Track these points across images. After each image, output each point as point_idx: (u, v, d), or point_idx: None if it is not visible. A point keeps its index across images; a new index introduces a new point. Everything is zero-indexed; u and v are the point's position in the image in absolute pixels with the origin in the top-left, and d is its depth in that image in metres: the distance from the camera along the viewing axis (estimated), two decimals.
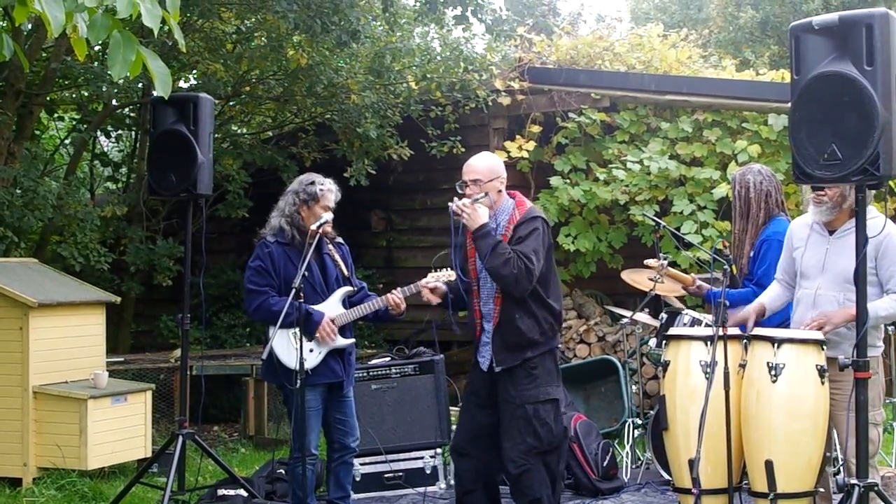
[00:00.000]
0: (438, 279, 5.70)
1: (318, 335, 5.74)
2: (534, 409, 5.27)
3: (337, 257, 6.01)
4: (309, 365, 5.68)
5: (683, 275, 6.60)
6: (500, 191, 5.40)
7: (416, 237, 11.18)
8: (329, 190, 5.90)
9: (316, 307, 5.79)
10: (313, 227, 5.69)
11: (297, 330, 5.50)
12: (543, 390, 5.32)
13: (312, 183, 5.89)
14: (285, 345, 5.72)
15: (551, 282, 5.43)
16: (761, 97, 9.05)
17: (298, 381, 5.44)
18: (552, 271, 5.45)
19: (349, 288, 5.99)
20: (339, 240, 6.11)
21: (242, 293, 6.08)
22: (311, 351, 5.75)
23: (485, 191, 5.33)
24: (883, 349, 5.26)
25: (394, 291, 5.90)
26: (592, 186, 9.17)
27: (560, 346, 9.20)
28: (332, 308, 5.87)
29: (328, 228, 5.87)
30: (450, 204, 5.29)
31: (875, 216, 4.91)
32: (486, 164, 5.41)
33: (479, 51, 10.50)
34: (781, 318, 5.50)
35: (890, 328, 7.25)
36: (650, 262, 6.69)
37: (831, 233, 5.13)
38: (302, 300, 5.48)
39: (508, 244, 5.24)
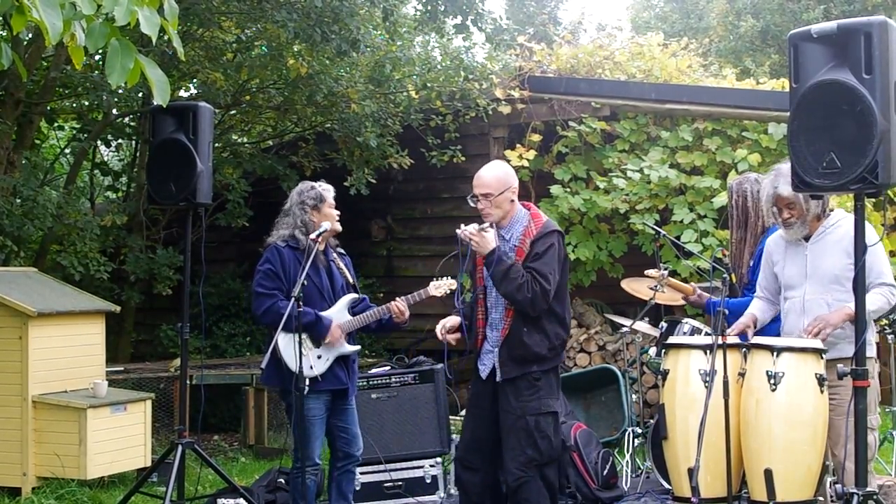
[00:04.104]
0: (440, 287, 5.73)
1: (328, 339, 5.75)
2: (535, 420, 5.22)
3: (342, 265, 6.03)
4: (317, 371, 5.70)
5: (683, 284, 6.59)
6: (512, 200, 5.32)
7: (416, 246, 11.19)
8: (327, 189, 5.97)
9: (322, 314, 5.80)
10: (312, 235, 5.69)
11: (302, 336, 5.51)
12: (545, 402, 5.26)
13: (312, 188, 5.94)
14: (294, 350, 5.70)
15: (564, 296, 5.36)
16: (761, 106, 9.06)
17: (304, 388, 5.45)
18: (564, 285, 5.38)
19: (355, 295, 6.00)
20: (342, 250, 6.12)
21: (244, 301, 6.08)
22: (320, 357, 5.76)
23: (497, 203, 5.26)
24: (877, 351, 5.26)
25: (397, 300, 5.91)
26: (593, 195, 9.17)
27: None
28: (338, 314, 5.88)
29: (332, 234, 5.90)
30: (457, 231, 5.25)
31: (843, 216, 5.02)
32: (495, 176, 5.32)
33: (479, 60, 10.50)
34: (777, 329, 5.47)
35: (889, 337, 7.24)
36: (651, 272, 6.68)
37: (807, 239, 5.18)
38: (301, 309, 5.48)
39: (525, 260, 5.18)
